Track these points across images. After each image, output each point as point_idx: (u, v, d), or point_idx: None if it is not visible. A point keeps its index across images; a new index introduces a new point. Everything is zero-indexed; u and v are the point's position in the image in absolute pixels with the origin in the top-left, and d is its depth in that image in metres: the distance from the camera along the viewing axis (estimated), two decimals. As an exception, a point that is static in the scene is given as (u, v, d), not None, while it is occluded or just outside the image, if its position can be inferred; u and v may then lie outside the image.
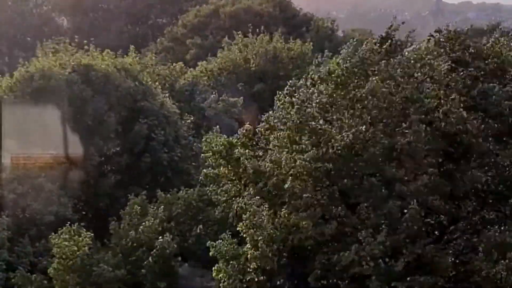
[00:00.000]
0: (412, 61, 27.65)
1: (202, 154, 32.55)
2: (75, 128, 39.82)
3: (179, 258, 32.35)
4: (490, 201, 27.32)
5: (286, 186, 26.46)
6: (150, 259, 31.59)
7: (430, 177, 25.95)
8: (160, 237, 32.18)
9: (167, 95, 46.05)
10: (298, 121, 27.09)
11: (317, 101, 27.60)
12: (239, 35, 59.35)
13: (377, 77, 26.76)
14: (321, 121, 27.19)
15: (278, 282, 27.50)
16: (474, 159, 26.79)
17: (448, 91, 27.13)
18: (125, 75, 43.62)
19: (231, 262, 27.36)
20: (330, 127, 26.83)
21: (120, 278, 31.40)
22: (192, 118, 47.02)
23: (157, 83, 46.59)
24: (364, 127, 26.05)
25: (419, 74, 27.34)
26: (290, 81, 29.90)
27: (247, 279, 26.84)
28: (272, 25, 68.47)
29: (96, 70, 42.00)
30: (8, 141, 38.58)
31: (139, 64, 46.72)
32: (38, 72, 40.47)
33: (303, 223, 25.76)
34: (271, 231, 26.46)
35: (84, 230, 32.38)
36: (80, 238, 31.72)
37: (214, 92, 51.56)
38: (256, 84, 54.77)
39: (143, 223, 32.87)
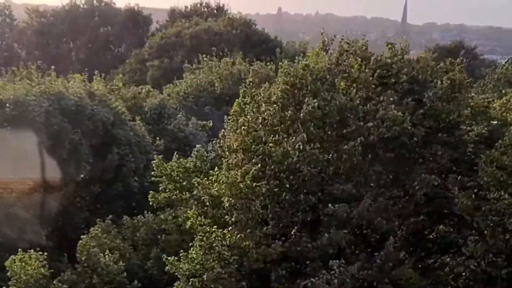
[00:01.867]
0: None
1: (153, 178, 32.96)
2: (49, 156, 39.85)
3: (136, 282, 32.45)
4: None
5: (226, 204, 26.81)
6: (102, 281, 31.79)
7: (378, 193, 26.39)
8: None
9: (138, 118, 46.04)
10: (240, 143, 27.60)
11: (259, 122, 27.98)
12: (204, 58, 59.75)
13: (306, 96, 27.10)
14: (264, 143, 27.58)
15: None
16: (422, 163, 27.22)
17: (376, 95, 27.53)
18: (96, 102, 43.61)
19: (192, 279, 27.57)
20: (270, 147, 27.17)
21: None
22: (161, 141, 47.19)
23: (124, 108, 46.60)
24: (299, 145, 26.28)
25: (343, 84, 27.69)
26: (236, 102, 30.22)
27: None
28: (234, 44, 68.96)
29: (68, 99, 41.84)
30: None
31: (106, 88, 46.75)
32: (9, 100, 40.14)
33: (244, 243, 26.19)
34: (219, 252, 26.86)
35: (39, 253, 32.12)
36: (33, 261, 31.58)
37: (182, 115, 51.75)
38: (223, 106, 55.07)
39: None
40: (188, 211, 30.08)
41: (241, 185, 26.72)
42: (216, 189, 27.81)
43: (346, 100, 27.03)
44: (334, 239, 25.84)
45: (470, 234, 26.64)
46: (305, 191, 26.56)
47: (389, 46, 29.19)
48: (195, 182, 29.15)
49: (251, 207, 26.63)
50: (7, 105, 39.85)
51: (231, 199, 26.87)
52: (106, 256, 32.21)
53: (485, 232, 26.18)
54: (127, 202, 42.66)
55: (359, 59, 28.24)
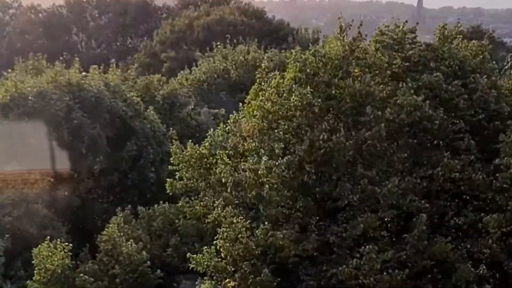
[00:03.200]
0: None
1: (169, 166, 33.09)
2: (68, 150, 40.32)
3: (158, 271, 32.65)
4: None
5: (264, 195, 26.91)
6: (124, 271, 32.02)
7: (401, 177, 26.61)
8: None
9: (151, 108, 46.40)
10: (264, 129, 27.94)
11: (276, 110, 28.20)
12: (218, 46, 59.94)
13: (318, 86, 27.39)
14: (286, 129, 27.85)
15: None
16: (444, 148, 27.51)
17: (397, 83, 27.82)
18: (113, 94, 43.94)
19: (220, 280, 27.80)
20: (295, 134, 27.40)
21: None
22: (174, 131, 47.49)
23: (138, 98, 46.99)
24: (324, 135, 26.54)
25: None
26: (253, 86, 30.42)
27: None
28: (248, 34, 68.97)
29: (87, 90, 42.18)
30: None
31: (120, 79, 47.11)
32: (32, 93, 40.53)
33: (281, 242, 26.27)
34: (247, 244, 26.92)
35: (65, 244, 32.47)
36: (59, 250, 31.87)
37: (195, 102, 52.00)
38: (238, 94, 55.29)
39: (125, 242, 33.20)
40: (206, 204, 30.42)
41: (272, 177, 26.89)
42: (248, 175, 27.82)
43: (361, 86, 27.24)
44: (364, 224, 26.08)
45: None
46: (335, 179, 26.79)
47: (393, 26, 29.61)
48: (218, 159, 29.28)
49: (282, 201, 26.87)
50: (30, 98, 40.10)
51: (264, 189, 26.99)
52: (129, 245, 32.37)
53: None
54: (143, 193, 42.83)
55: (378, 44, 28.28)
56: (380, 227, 26.48)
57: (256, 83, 31.25)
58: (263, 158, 27.46)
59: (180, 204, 33.47)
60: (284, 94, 28.51)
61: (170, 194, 33.98)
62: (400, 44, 29.47)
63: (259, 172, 27.04)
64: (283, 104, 28.16)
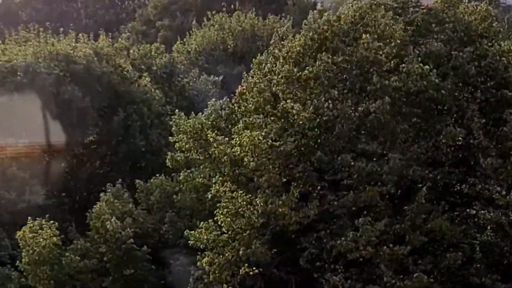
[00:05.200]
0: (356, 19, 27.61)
1: (170, 137, 32.50)
2: (57, 122, 39.81)
3: (145, 247, 32.28)
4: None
5: (250, 166, 26.62)
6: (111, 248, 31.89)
7: (404, 147, 26.36)
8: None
9: (147, 78, 45.51)
10: (260, 100, 27.52)
11: (277, 79, 27.77)
12: (214, 15, 58.72)
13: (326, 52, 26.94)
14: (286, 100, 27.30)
15: (272, 273, 27.60)
16: (448, 116, 27.14)
17: (404, 50, 27.25)
18: (104, 62, 43.23)
19: (221, 253, 27.59)
20: (292, 104, 26.89)
21: (91, 267, 31.66)
22: (174, 99, 46.78)
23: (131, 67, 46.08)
24: (329, 102, 26.11)
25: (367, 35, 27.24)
26: (255, 59, 29.84)
27: (240, 272, 27.07)
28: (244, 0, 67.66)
29: (76, 62, 41.54)
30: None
31: (113, 48, 46.21)
32: (20, 67, 40.04)
33: (280, 210, 25.88)
34: (249, 218, 26.60)
35: (51, 222, 32.08)
36: (45, 230, 31.52)
37: (192, 72, 51.08)
38: (236, 66, 54.17)
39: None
40: (204, 177, 29.94)
41: (265, 146, 26.58)
42: (237, 149, 27.49)
43: (369, 54, 26.70)
44: (364, 197, 25.93)
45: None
46: (337, 150, 26.45)
47: None
48: (211, 138, 28.68)
49: (277, 168, 26.55)
50: (18, 72, 39.74)
51: (254, 159, 26.74)
52: (114, 221, 31.99)
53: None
54: (135, 162, 42.31)
55: (390, 12, 27.77)
56: (382, 198, 26.24)
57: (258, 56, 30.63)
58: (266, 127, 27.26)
59: (180, 177, 32.86)
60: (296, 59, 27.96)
61: (168, 165, 33.44)
62: (402, 8, 28.78)
63: (256, 141, 26.66)
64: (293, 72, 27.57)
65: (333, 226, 26.43)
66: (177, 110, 33.72)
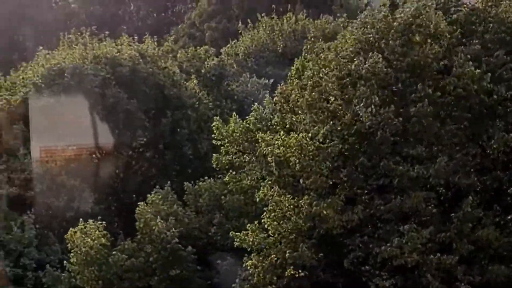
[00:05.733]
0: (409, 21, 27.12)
1: (214, 141, 32.85)
2: (104, 125, 40.33)
3: (190, 247, 32.56)
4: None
5: (296, 167, 26.53)
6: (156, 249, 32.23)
7: (452, 152, 25.98)
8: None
9: (195, 81, 45.69)
10: (308, 100, 27.29)
11: (324, 80, 27.55)
12: (262, 17, 58.64)
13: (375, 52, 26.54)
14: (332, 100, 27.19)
15: (317, 276, 27.57)
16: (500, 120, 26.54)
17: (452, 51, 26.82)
18: (151, 65, 43.52)
19: (267, 256, 27.64)
20: (337, 104, 26.86)
21: (137, 267, 32.02)
22: (223, 103, 46.87)
23: (178, 70, 46.33)
24: (372, 108, 25.81)
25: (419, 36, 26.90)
26: (297, 59, 29.83)
27: (286, 274, 27.11)
28: (292, 2, 67.25)
29: (122, 65, 41.86)
30: (36, 135, 39.37)
31: (159, 50, 46.56)
32: (68, 68, 40.50)
33: (325, 212, 25.78)
34: (295, 222, 26.65)
35: (99, 223, 32.75)
36: (93, 230, 32.20)
37: (243, 76, 51.05)
38: (286, 68, 53.90)
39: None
40: (251, 179, 30.10)
41: (311, 147, 26.56)
42: (282, 150, 27.43)
43: (420, 56, 26.44)
44: (409, 204, 25.70)
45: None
46: (379, 155, 26.30)
47: None
48: (259, 138, 28.73)
49: (323, 170, 26.46)
50: (65, 74, 40.12)
51: (301, 161, 26.65)
52: (159, 222, 32.37)
53: None
54: (182, 167, 42.46)
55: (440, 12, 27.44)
56: (428, 204, 25.95)
57: (302, 54, 30.59)
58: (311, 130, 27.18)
59: (226, 179, 33.22)
60: (343, 61, 27.75)
61: (215, 168, 33.83)
62: (444, 8, 28.34)
63: (303, 142, 26.69)
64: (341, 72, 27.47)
65: (379, 231, 26.29)
66: (215, 117, 33.85)
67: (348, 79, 27.22)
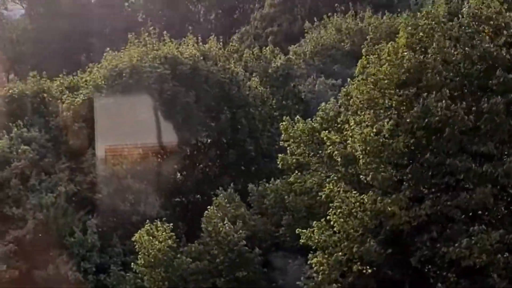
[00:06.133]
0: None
1: (281, 142, 32.61)
2: (164, 122, 40.31)
3: (257, 249, 32.47)
4: None
5: (361, 163, 26.17)
6: (223, 251, 32.21)
7: None
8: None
9: (257, 80, 45.34)
10: (367, 98, 27.12)
11: (386, 75, 27.14)
12: (328, 16, 58.06)
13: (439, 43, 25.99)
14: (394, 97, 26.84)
15: (384, 274, 27.35)
16: None
17: None
18: (212, 63, 43.37)
19: (332, 253, 27.28)
20: (402, 99, 26.44)
21: (203, 269, 32.04)
22: (289, 103, 46.46)
23: (243, 70, 46.03)
24: (443, 103, 25.15)
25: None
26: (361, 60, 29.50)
27: (353, 270, 26.85)
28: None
29: (183, 63, 41.84)
30: (100, 135, 39.70)
31: (224, 50, 46.40)
32: (127, 68, 40.67)
33: (389, 208, 25.38)
34: (361, 219, 26.27)
35: (166, 225, 32.76)
36: (160, 232, 32.25)
37: (311, 76, 50.54)
38: (353, 66, 53.14)
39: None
40: (318, 179, 29.80)
41: (376, 143, 26.17)
42: (349, 146, 27.25)
43: (492, 47, 25.78)
44: (476, 199, 25.14)
45: None
46: (447, 152, 25.75)
47: None
48: (324, 137, 28.65)
49: (388, 167, 26.10)
50: (124, 74, 40.38)
51: (365, 157, 26.31)
52: (226, 225, 32.33)
53: None
54: (245, 166, 42.34)
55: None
56: (496, 202, 25.53)
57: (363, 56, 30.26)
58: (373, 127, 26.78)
59: (291, 179, 32.95)
60: (397, 61, 27.30)
61: (280, 168, 33.70)
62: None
63: (367, 138, 26.30)
64: (396, 70, 27.04)
65: (447, 230, 25.83)
66: (284, 117, 33.54)
67: (412, 72, 26.72)
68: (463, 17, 27.13)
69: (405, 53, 26.79)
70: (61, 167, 38.15)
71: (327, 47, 55.38)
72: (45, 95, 42.49)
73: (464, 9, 27.38)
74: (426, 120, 25.75)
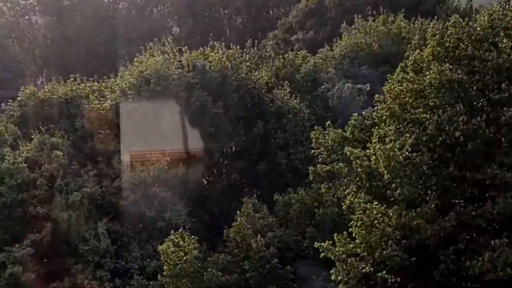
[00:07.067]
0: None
1: (312, 151, 32.22)
2: (191, 130, 40.17)
3: (288, 267, 32.27)
4: None
5: (385, 178, 26.05)
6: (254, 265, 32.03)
7: None
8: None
9: (287, 90, 44.65)
10: (391, 112, 26.87)
11: (410, 89, 27.00)
12: (359, 18, 57.32)
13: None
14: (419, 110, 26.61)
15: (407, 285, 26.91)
16: None
17: None
18: (242, 72, 43.03)
19: (350, 263, 26.97)
20: (424, 113, 26.21)
21: (231, 282, 31.84)
22: (317, 109, 45.74)
23: (273, 77, 45.37)
24: (463, 117, 25.05)
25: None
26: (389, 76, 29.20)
27: (379, 278, 26.38)
28: (384, 6, 65.62)
29: (212, 71, 41.67)
30: (126, 141, 39.65)
31: (255, 57, 45.87)
32: (154, 74, 40.54)
33: (415, 222, 25.27)
34: (384, 230, 26.06)
35: (191, 235, 32.59)
36: (186, 243, 32.04)
37: (339, 80, 49.79)
38: (381, 67, 52.36)
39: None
40: (346, 189, 29.39)
41: (400, 158, 25.83)
42: (373, 160, 26.98)
43: (506, 59, 25.64)
44: (499, 209, 24.84)
45: None
46: (469, 166, 25.56)
47: None
48: (347, 152, 28.31)
49: (412, 181, 25.78)
50: (151, 81, 40.22)
51: (389, 172, 26.02)
52: (259, 240, 32.15)
53: None
54: (275, 179, 41.57)
55: None
56: None
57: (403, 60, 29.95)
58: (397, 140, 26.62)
59: (322, 190, 32.67)
60: (422, 71, 27.38)
61: (308, 180, 33.71)
62: None
63: (391, 153, 26.00)
64: (419, 83, 26.90)
65: (472, 243, 25.60)
66: (315, 127, 33.04)
67: (428, 89, 26.49)
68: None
69: (431, 64, 26.51)
70: (87, 171, 38.28)
71: (356, 49, 54.57)
72: (74, 99, 42.81)
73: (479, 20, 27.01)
74: (448, 134, 25.49)
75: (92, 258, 35.19)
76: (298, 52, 52.54)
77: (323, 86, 48.55)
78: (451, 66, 26.01)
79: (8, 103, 43.40)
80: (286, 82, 45.78)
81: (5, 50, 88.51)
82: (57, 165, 36.99)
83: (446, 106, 25.83)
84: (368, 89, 48.65)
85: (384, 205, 26.65)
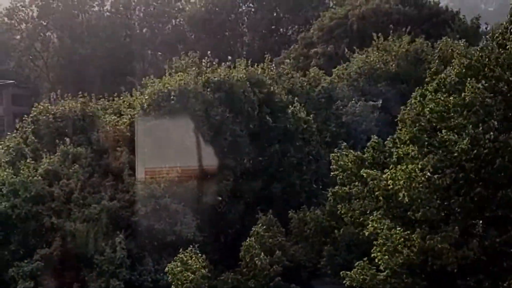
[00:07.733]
0: None
1: (332, 173, 32.10)
2: (210, 148, 39.74)
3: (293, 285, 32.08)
4: None
5: (405, 200, 25.69)
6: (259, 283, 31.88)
7: None
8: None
9: (303, 108, 44.40)
10: (411, 135, 26.65)
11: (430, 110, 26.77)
12: (379, 37, 57.03)
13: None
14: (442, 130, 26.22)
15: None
16: None
17: None
18: (259, 90, 42.78)
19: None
20: (448, 134, 25.77)
21: None
22: (331, 127, 45.42)
23: (289, 95, 45.09)
24: (491, 134, 24.76)
25: None
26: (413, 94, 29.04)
27: None
28: (402, 24, 65.33)
29: (230, 84, 41.29)
30: (142, 156, 39.38)
31: (269, 74, 45.62)
32: (174, 91, 40.30)
33: (439, 246, 24.87)
34: (407, 255, 25.69)
35: (199, 253, 32.33)
36: (194, 262, 31.73)
37: (353, 98, 49.52)
38: (398, 84, 52.01)
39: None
40: (364, 210, 29.32)
41: (421, 179, 25.51)
42: (390, 183, 26.59)
43: None
44: None
45: None
46: (498, 183, 25.12)
47: None
48: (364, 174, 28.34)
49: (434, 202, 25.48)
50: (172, 97, 40.01)
51: (410, 193, 25.68)
52: (263, 257, 32.17)
53: None
54: (289, 200, 41.14)
55: None
56: None
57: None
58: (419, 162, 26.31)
59: (342, 211, 31.91)
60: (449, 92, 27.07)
61: (322, 200, 34.26)
62: None
63: (412, 174, 25.77)
64: (443, 104, 26.57)
65: (495, 268, 25.20)
66: (321, 145, 32.75)
67: (455, 108, 26.21)
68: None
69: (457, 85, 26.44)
70: (105, 185, 38.52)
71: (373, 67, 54.27)
72: (90, 115, 42.82)
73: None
74: (475, 151, 25.15)
75: (107, 268, 35.14)
76: (312, 70, 52.48)
77: (337, 103, 48.39)
78: (481, 86, 25.80)
79: (24, 118, 43.62)
80: (302, 99, 45.59)
81: (21, 68, 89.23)
82: (77, 180, 37.33)
83: (472, 125, 25.48)
84: (379, 105, 48.45)
85: (403, 228, 26.26)
